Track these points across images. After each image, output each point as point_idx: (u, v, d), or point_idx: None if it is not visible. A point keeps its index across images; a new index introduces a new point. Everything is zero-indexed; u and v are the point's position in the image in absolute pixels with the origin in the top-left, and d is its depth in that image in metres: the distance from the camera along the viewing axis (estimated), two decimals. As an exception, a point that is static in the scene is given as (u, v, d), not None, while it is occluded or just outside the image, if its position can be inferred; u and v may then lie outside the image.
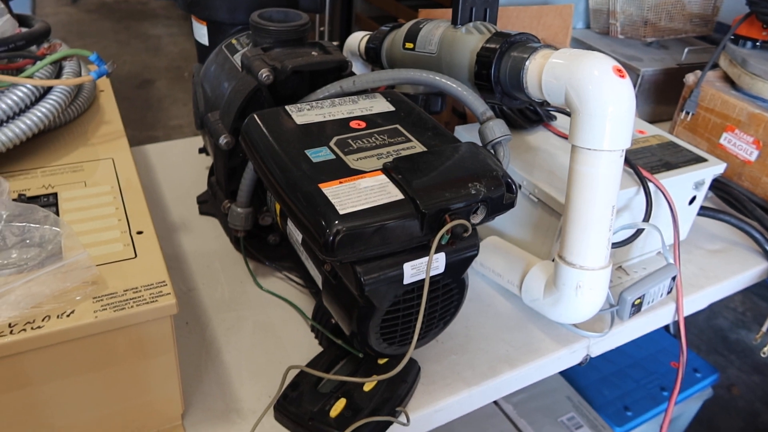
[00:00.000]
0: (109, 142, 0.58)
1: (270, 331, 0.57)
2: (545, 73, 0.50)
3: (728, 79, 0.90)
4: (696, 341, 1.31)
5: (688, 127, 0.90)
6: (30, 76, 0.53)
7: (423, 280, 0.44)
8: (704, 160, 0.69)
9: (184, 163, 0.80)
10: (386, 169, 0.44)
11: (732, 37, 0.91)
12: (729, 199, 0.80)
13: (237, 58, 0.61)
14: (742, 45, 0.91)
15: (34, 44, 0.59)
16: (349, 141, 0.47)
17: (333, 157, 0.45)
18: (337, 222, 0.39)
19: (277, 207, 0.56)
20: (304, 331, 0.57)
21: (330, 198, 0.41)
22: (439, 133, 0.50)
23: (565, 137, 0.70)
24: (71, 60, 0.59)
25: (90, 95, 0.64)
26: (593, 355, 0.61)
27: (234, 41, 0.63)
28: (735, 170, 0.84)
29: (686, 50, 1.00)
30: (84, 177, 0.52)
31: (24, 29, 0.60)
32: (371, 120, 0.50)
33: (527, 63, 0.52)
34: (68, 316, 0.38)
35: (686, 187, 0.68)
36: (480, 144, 0.50)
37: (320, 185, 0.42)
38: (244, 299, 0.60)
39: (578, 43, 1.07)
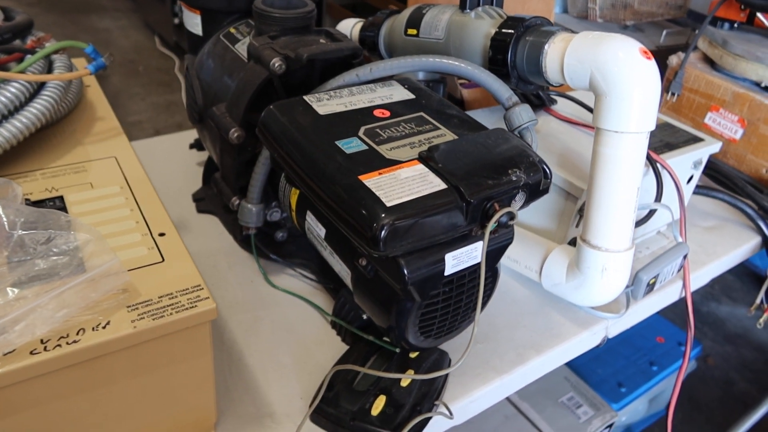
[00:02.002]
0: (108, 140, 0.54)
1: (290, 330, 0.55)
2: (567, 56, 0.49)
3: (707, 60, 0.93)
4: (669, 314, 1.34)
5: (673, 108, 0.92)
6: (22, 71, 0.49)
7: (462, 271, 0.44)
8: (701, 139, 0.70)
9: (172, 159, 0.77)
10: (423, 158, 0.42)
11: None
12: (718, 177, 0.82)
13: (240, 48, 0.58)
14: (720, 26, 0.93)
15: (19, 37, 0.54)
16: (378, 131, 0.45)
17: (366, 147, 0.43)
18: (384, 215, 0.37)
19: (293, 201, 0.54)
20: (324, 328, 0.55)
21: (373, 190, 0.39)
22: (465, 119, 0.49)
23: (567, 120, 0.70)
24: (61, 53, 0.55)
25: (78, 90, 0.60)
26: (610, 336, 0.61)
27: (233, 30, 0.60)
28: (720, 149, 0.86)
29: (664, 33, 1.02)
30: (89, 178, 0.49)
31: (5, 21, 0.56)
32: (394, 109, 0.49)
33: (546, 47, 0.51)
34: (104, 327, 0.35)
35: (686, 166, 0.69)
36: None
37: (360, 177, 0.40)
38: (257, 299, 0.58)
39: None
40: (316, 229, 0.51)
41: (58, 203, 0.45)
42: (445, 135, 0.46)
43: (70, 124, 0.56)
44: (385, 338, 0.50)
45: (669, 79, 0.91)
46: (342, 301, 0.54)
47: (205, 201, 0.68)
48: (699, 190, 0.76)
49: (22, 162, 0.49)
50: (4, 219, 0.35)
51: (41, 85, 0.51)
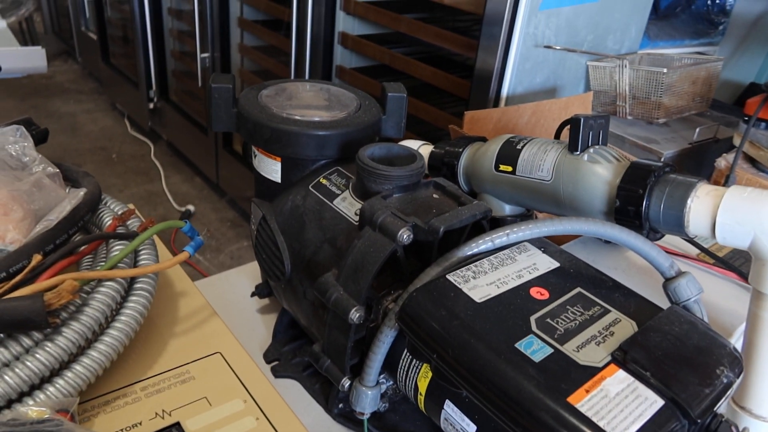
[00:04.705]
0: (203, 327, 0.47)
1: None
2: (722, 215, 0.46)
3: (749, 160, 0.93)
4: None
5: (725, 210, 0.90)
6: (114, 266, 0.42)
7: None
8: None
9: (228, 306, 0.68)
10: (621, 362, 0.37)
11: (745, 118, 0.94)
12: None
13: (340, 205, 0.52)
14: (757, 126, 0.94)
15: (94, 212, 0.47)
16: (549, 322, 0.40)
17: (551, 350, 0.38)
18: (620, 456, 0.32)
19: (422, 385, 0.47)
20: None
21: (593, 419, 0.33)
22: (625, 291, 0.44)
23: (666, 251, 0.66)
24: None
25: (151, 259, 0.52)
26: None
27: (324, 181, 0.55)
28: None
29: (697, 129, 1.02)
30: (201, 390, 0.41)
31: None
32: (548, 285, 0.44)
33: (689, 202, 0.48)
34: None
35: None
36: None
37: (569, 399, 0.34)
38: (372, 492, 0.50)
39: (589, 126, 1.06)
40: (460, 423, 0.44)
41: (179, 435, 0.37)
42: (620, 320, 0.41)
43: (153, 307, 0.48)
44: None
45: (717, 182, 0.90)
46: (486, 499, 0.46)
47: (281, 364, 0.60)
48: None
49: (116, 373, 0.41)
50: None
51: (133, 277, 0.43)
